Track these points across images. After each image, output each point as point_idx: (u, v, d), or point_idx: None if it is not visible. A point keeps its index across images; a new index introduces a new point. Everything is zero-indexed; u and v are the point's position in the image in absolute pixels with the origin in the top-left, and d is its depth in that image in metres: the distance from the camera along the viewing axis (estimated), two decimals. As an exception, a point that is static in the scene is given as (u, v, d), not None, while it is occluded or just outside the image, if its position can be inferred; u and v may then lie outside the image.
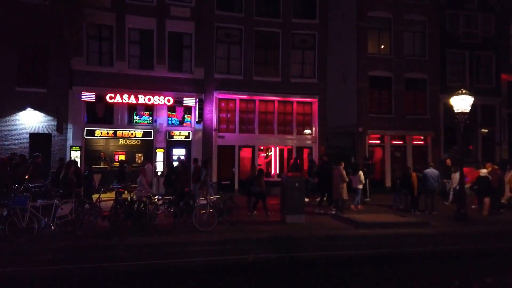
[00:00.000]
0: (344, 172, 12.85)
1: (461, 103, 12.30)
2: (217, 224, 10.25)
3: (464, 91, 12.34)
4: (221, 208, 10.88)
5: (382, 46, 20.29)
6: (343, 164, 13.20)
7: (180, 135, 17.54)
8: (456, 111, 12.48)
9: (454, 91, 12.75)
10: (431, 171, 13.47)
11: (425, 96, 20.42)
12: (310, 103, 19.23)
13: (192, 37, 17.78)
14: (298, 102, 19.13)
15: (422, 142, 20.33)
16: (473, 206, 13.89)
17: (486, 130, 21.00)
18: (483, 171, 13.53)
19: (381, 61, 19.92)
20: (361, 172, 13.97)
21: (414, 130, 20.00)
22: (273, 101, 18.84)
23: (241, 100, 18.54)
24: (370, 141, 19.80)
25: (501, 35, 21.33)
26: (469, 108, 12.41)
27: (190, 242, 9.16)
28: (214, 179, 17.28)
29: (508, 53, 21.52)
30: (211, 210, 10.61)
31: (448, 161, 15.91)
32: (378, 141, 20.01)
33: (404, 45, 20.22)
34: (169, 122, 17.57)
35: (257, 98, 18.58)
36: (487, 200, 13.12)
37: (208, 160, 14.99)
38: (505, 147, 21.00)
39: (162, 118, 17.29)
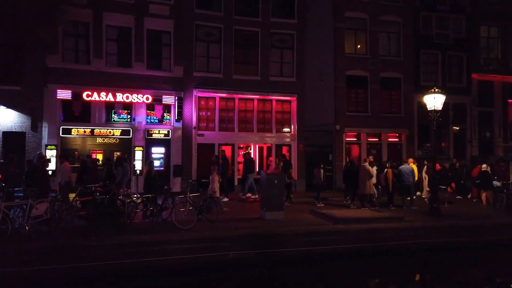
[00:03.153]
0: (370, 168, 13.45)
1: (434, 101, 12.77)
2: (196, 222, 10.31)
3: (436, 90, 12.83)
4: (200, 206, 10.93)
5: (359, 46, 20.71)
6: (368, 160, 13.98)
7: (159, 133, 17.45)
8: (429, 109, 12.96)
9: (427, 90, 13.21)
10: (405, 167, 13.95)
11: (399, 95, 20.98)
12: (289, 101, 19.46)
13: (171, 35, 17.69)
14: (277, 101, 19.33)
15: (397, 140, 20.90)
16: (474, 200, 15.28)
17: (457, 128, 21.74)
18: (484, 166, 14.59)
19: (357, 61, 20.33)
20: (374, 168, 14.46)
21: (389, 128, 20.52)
22: (252, 99, 18.97)
23: (220, 98, 18.58)
24: (347, 139, 20.22)
25: (472, 36, 22.08)
26: (441, 106, 12.92)
27: (169, 240, 9.16)
28: (194, 177, 17.28)
29: (478, 53, 22.30)
30: (191, 208, 10.65)
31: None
32: (355, 139, 20.44)
33: (379, 45, 20.70)
34: (148, 120, 17.44)
35: (236, 96, 18.67)
36: (487, 192, 14.06)
37: (125, 158, 14.20)
38: (475, 144, 21.82)
39: (141, 116, 17.15)
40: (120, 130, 16.89)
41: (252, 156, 17.74)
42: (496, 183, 14.45)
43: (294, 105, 19.36)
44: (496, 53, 22.79)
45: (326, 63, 20.68)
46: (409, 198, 14.04)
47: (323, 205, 14.14)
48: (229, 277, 8.95)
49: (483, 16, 22.21)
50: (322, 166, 14.85)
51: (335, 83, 20.04)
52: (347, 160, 17.74)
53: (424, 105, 13.31)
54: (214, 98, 18.48)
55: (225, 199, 14.78)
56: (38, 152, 13.97)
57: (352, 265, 9.83)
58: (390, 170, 14.02)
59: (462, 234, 11.05)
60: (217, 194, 12.33)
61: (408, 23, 21.02)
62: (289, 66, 19.48)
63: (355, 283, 9.31)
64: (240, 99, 18.81)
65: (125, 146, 17.10)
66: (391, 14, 20.84)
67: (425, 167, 16.00)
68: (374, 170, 14.23)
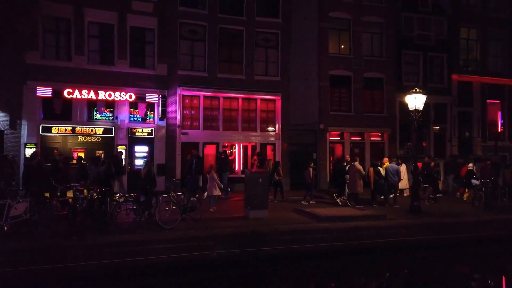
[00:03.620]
0: (361, 168, 13.68)
1: (415, 101, 13.01)
2: (180, 221, 10.25)
3: (417, 90, 13.05)
4: (184, 205, 10.86)
5: (342, 46, 20.91)
6: (358, 159, 14.27)
7: (142, 132, 17.25)
8: (410, 109, 13.19)
9: (408, 90, 13.44)
10: (391, 166, 14.17)
11: (382, 95, 21.27)
12: (274, 100, 19.51)
13: (154, 32, 17.51)
14: (261, 100, 19.35)
15: (379, 139, 21.20)
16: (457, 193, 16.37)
17: (438, 127, 22.22)
18: (470, 165, 15.15)
19: (341, 61, 20.52)
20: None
21: (372, 127, 20.80)
22: (237, 98, 18.96)
23: (205, 97, 18.50)
24: (331, 138, 20.40)
25: (452, 38, 22.56)
26: (422, 106, 13.16)
27: (153, 240, 9.08)
28: (178, 176, 17.17)
29: (458, 54, 22.83)
30: (175, 207, 10.58)
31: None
32: (338, 138, 20.65)
33: (362, 45, 20.93)
34: (131, 118, 17.23)
35: (221, 95, 18.62)
36: (469, 190, 14.59)
37: (99, 158, 14.04)
38: (455, 143, 22.32)
39: (124, 114, 16.92)
40: (102, 129, 16.63)
41: (228, 154, 17.49)
42: (475, 181, 14.80)
43: (278, 104, 19.42)
44: (475, 55, 23.37)
45: (310, 62, 20.82)
46: (391, 196, 14.29)
47: (307, 203, 14.25)
48: (213, 276, 8.95)
49: (463, 18, 22.72)
50: (311, 166, 14.96)
51: (319, 83, 20.18)
52: (331, 159, 17.95)
53: (406, 105, 13.54)
54: (199, 96, 18.38)
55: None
56: (34, 151, 13.74)
57: (335, 263, 9.94)
58: (371, 169, 14.26)
59: (441, 231, 11.32)
60: (217, 193, 12.52)
61: (390, 24, 21.32)
62: (273, 65, 19.53)
63: (338, 280, 9.43)
64: (224, 98, 18.76)
65: (108, 145, 16.85)
66: (373, 15, 21.09)
67: (408, 166, 16.17)
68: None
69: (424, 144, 21.96)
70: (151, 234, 9.35)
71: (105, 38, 16.86)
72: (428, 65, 22.15)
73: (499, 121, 23.65)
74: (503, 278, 10.01)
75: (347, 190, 14.50)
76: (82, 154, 16.27)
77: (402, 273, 10.16)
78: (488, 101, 23.23)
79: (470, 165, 15.28)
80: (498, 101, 23.55)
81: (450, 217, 12.26)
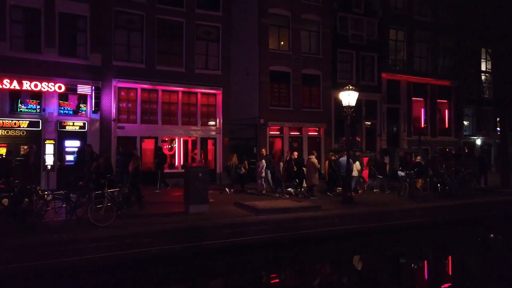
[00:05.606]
0: (316, 161, 14.20)
1: (348, 98, 13.68)
2: (115, 218, 9.85)
3: (350, 87, 13.75)
4: (120, 202, 10.45)
5: (282, 43, 21.37)
6: (315, 154, 14.76)
7: (74, 125, 16.26)
8: (344, 105, 13.87)
9: (343, 87, 14.13)
10: (344, 159, 14.82)
11: (319, 91, 22.13)
12: (214, 94, 19.42)
13: (87, 20, 16.55)
14: (202, 94, 19.17)
15: (316, 133, 22.08)
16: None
17: (369, 123, 23.67)
18: (419, 158, 16.19)
19: (281, 57, 20.97)
20: (358, 162, 15.29)
21: (309, 122, 21.60)
22: (177, 91, 18.58)
23: (142, 89, 17.89)
24: (271, 132, 20.84)
25: (382, 38, 24.08)
26: (355, 103, 13.90)
27: (85, 238, 8.62)
28: (113, 171, 16.40)
29: (387, 54, 24.44)
30: (109, 204, 10.15)
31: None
32: (278, 132, 21.16)
33: (301, 42, 21.57)
34: (61, 111, 16.16)
35: (160, 88, 18.13)
36: (420, 180, 15.28)
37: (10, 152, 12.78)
38: (384, 138, 23.95)
39: (52, 107, 15.83)
40: (28, 122, 15.42)
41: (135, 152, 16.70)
42: (400, 173, 15.97)
43: (219, 98, 19.38)
44: (402, 55, 25.18)
45: (251, 57, 21.00)
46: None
47: (288, 196, 14.50)
48: (152, 273, 8.75)
49: (392, 20, 24.31)
50: (282, 160, 15.03)
51: (260, 78, 20.47)
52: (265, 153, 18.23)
53: (340, 101, 14.20)
54: (136, 89, 17.73)
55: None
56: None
57: (273, 253, 10.22)
58: (327, 162, 14.92)
59: (369, 220, 12.11)
60: None
61: (326, 23, 22.17)
62: (214, 59, 19.41)
63: (275, 270, 9.73)
64: (163, 91, 18.30)
65: (34, 139, 15.60)
66: (311, 13, 21.79)
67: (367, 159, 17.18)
68: (358, 164, 15.23)
69: (357, 138, 23.26)
70: (83, 233, 8.87)
71: (30, 24, 15.63)
72: (360, 64, 23.41)
73: (423, 117, 25.82)
74: (425, 262, 11.02)
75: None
76: (3, 150, 14.97)
77: (334, 260, 10.72)
78: (413, 98, 25.22)
79: (419, 157, 16.43)
80: (422, 99, 25.68)
81: (377, 206, 13.12)
